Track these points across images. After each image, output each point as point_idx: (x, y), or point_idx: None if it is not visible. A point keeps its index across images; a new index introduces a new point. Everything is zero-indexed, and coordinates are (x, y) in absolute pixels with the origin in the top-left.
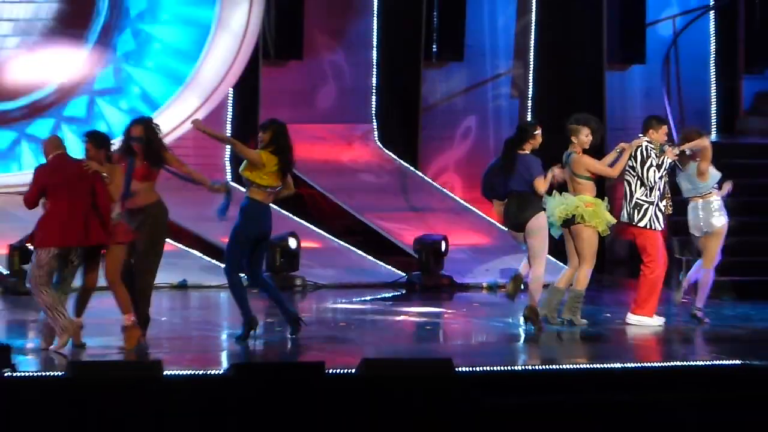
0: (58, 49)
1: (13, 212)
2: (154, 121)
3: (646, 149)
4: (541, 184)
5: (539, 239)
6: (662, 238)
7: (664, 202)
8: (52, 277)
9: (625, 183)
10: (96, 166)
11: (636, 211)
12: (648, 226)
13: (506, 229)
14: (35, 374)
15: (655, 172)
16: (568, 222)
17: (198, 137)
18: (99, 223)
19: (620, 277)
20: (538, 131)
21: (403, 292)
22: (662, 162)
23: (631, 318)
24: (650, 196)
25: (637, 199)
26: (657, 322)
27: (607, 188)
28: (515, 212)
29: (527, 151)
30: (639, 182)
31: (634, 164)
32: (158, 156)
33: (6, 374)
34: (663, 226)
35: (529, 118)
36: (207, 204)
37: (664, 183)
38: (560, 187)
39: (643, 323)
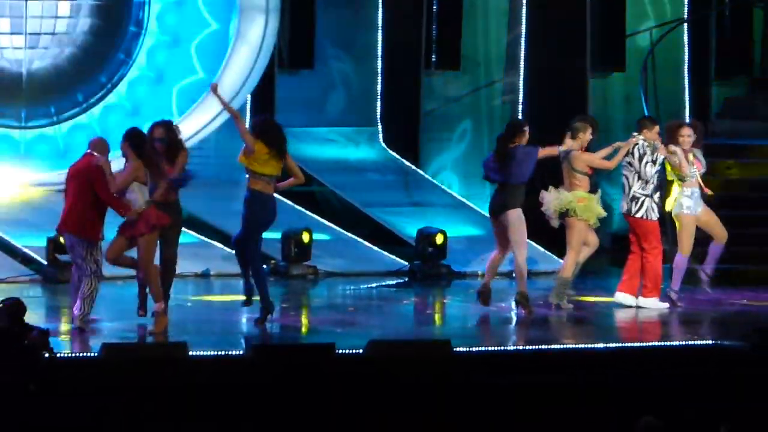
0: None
1: (52, 208)
2: (174, 123)
3: (642, 147)
4: (546, 151)
5: (515, 231)
6: (658, 227)
7: (657, 195)
8: (77, 264)
9: (623, 178)
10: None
11: (634, 203)
12: (644, 217)
13: (488, 214)
14: (73, 355)
15: (651, 167)
16: (563, 215)
17: (218, 141)
18: (92, 216)
19: (601, 264)
20: (526, 127)
21: (406, 279)
22: (656, 158)
23: (642, 301)
24: (646, 189)
25: (634, 192)
26: (663, 305)
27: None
28: (498, 201)
29: (517, 144)
30: (636, 177)
31: (632, 160)
32: (175, 156)
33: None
34: (657, 215)
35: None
36: (227, 199)
37: (658, 177)
38: (556, 182)
39: (653, 306)
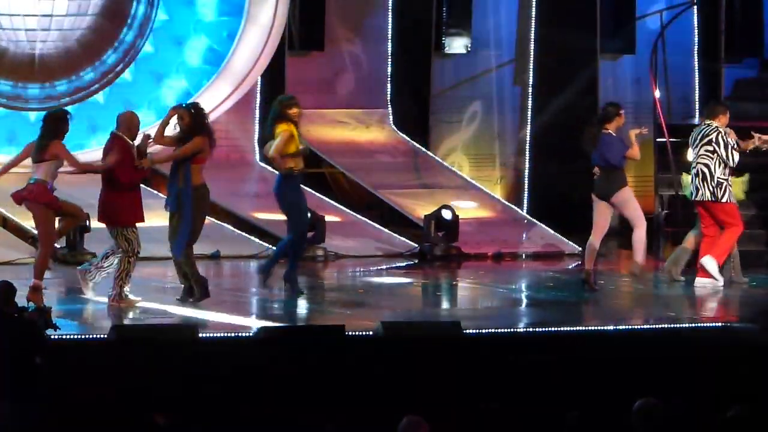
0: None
1: (66, 190)
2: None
3: (725, 134)
4: (635, 154)
5: (630, 209)
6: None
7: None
8: None
9: (702, 166)
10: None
11: (718, 189)
12: (728, 201)
13: (593, 196)
14: (82, 336)
15: (736, 153)
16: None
17: (229, 122)
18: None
19: (613, 247)
20: (622, 112)
21: (416, 261)
22: (735, 143)
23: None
24: (726, 174)
25: (718, 178)
26: (720, 280)
27: None
28: (603, 185)
29: (611, 131)
30: (720, 163)
31: (717, 148)
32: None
33: (51, 334)
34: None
35: (529, 104)
36: (238, 182)
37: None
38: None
39: (713, 280)
